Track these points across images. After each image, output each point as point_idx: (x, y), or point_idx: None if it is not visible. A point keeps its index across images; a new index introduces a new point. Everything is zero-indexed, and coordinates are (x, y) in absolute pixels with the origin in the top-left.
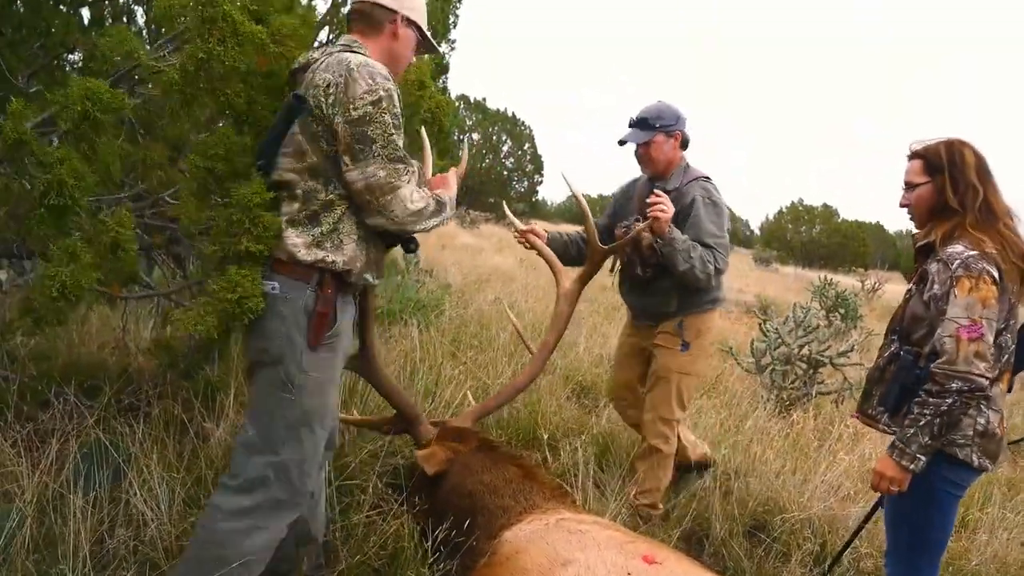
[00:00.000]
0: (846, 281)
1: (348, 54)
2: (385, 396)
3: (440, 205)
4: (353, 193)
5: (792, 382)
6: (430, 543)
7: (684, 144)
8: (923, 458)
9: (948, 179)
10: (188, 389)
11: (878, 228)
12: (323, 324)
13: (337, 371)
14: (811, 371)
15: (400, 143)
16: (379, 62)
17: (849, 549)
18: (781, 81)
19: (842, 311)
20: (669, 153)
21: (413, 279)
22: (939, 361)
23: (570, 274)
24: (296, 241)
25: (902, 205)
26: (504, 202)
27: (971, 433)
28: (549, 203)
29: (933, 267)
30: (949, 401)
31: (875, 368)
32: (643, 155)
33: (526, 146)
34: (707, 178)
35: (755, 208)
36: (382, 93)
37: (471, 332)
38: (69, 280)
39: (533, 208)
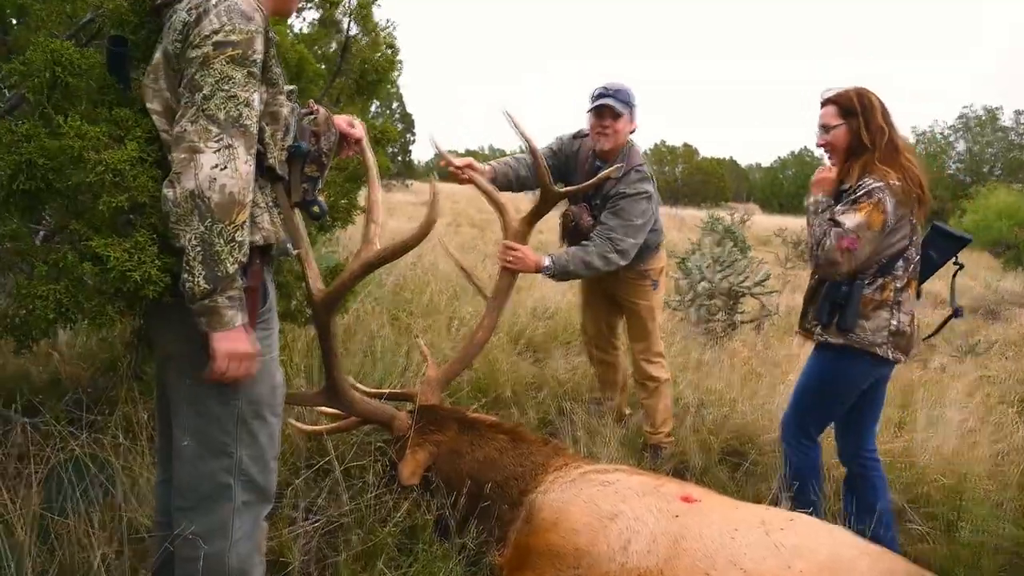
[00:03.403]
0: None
1: None
2: (361, 418)
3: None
4: None
5: (715, 314)
6: (450, 513)
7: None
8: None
9: (862, 121)
10: (137, 389)
11: (732, 163)
12: (256, 301)
13: (276, 349)
14: (731, 302)
15: (234, 104)
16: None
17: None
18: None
19: (731, 243)
20: (624, 136)
21: (327, 251)
22: (828, 241)
23: (516, 214)
24: None
25: (819, 145)
26: (433, 135)
27: (886, 333)
28: (418, 162)
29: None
30: (814, 249)
31: (808, 290)
32: (610, 126)
33: (394, 105)
34: (641, 166)
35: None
36: (234, 37)
37: (406, 299)
38: (65, 298)
39: (408, 169)
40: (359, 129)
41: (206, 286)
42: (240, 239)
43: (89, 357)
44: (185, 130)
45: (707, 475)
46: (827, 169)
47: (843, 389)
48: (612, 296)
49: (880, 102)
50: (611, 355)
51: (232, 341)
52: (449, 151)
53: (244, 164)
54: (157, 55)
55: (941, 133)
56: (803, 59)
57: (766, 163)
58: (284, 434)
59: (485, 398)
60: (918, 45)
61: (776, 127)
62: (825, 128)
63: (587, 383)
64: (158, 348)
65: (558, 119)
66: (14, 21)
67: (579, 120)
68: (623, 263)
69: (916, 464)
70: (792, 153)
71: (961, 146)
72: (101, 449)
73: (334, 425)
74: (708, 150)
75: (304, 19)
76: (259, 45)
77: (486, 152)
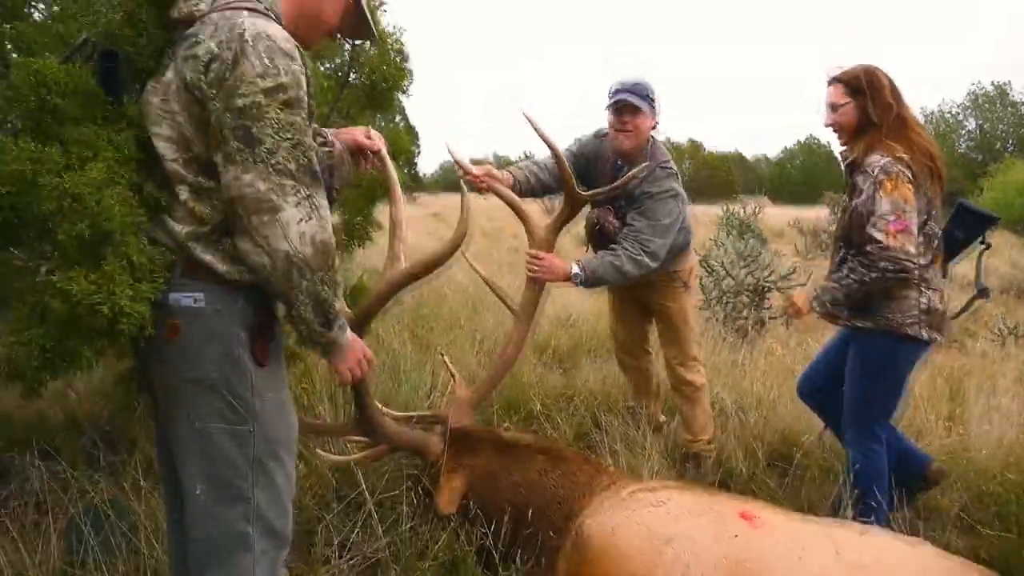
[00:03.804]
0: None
1: (245, 15)
2: (395, 446)
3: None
4: (225, 203)
5: (742, 311)
6: (493, 543)
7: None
8: (828, 308)
9: (869, 99)
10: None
11: (739, 157)
12: (267, 335)
13: (287, 384)
14: (757, 298)
15: (302, 152)
16: (289, 16)
17: None
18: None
19: (751, 237)
20: (646, 133)
21: (342, 268)
22: (875, 244)
23: (541, 222)
24: (207, 258)
25: (827, 125)
26: (448, 143)
27: (916, 312)
28: (424, 175)
29: (859, 179)
30: (873, 275)
31: (830, 272)
32: (629, 123)
33: (397, 118)
34: (667, 163)
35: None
36: (283, 80)
37: (424, 314)
38: (49, 343)
39: (415, 181)
40: (377, 140)
41: (321, 329)
42: (338, 278)
43: (106, 394)
44: (258, 190)
45: (754, 483)
46: (792, 298)
47: (890, 373)
48: (642, 300)
49: (889, 79)
50: (644, 361)
51: (351, 357)
52: (482, 163)
53: (325, 209)
54: (169, 74)
55: (950, 112)
56: (799, 46)
57: (772, 154)
58: (311, 466)
59: (517, 415)
60: (916, 32)
61: (775, 114)
62: (833, 107)
63: (619, 392)
64: (157, 385)
65: (556, 106)
66: (15, 55)
67: (578, 106)
68: (654, 266)
69: (976, 460)
70: (798, 142)
71: (972, 124)
72: (121, 493)
73: (363, 454)
74: (708, 138)
75: None
76: (304, 83)
77: (490, 160)
